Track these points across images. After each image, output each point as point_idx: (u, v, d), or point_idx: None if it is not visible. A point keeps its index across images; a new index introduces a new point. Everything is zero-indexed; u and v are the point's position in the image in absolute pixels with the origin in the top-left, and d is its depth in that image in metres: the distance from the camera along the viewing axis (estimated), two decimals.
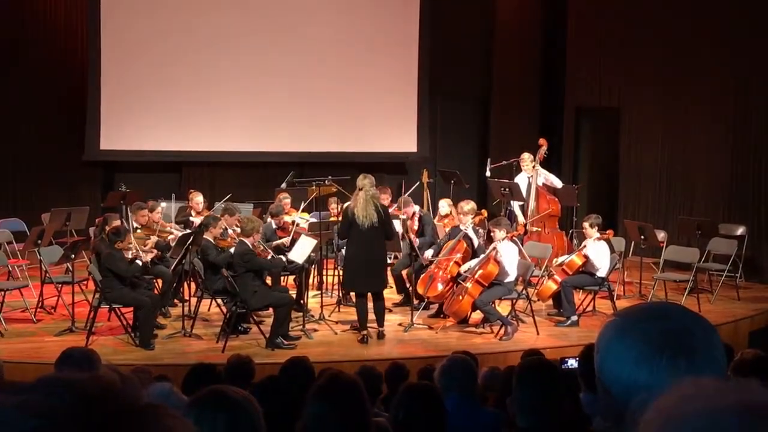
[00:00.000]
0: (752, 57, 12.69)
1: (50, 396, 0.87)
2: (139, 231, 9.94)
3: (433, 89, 15.41)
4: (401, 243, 10.54)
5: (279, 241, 10.30)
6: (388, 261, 10.35)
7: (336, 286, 11.06)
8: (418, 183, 12.07)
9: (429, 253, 10.35)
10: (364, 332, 9.34)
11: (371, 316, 9.47)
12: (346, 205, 9.64)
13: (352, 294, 10.84)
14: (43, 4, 14.21)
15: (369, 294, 9.46)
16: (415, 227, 10.81)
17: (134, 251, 9.28)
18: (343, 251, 10.14)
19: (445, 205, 11.38)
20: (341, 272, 9.55)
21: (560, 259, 10.52)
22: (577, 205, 12.68)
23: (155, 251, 9.87)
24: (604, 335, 1.47)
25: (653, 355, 1.40)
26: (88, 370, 0.94)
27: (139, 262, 9.07)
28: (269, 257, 9.51)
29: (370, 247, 9.21)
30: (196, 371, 5.37)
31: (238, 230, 9.87)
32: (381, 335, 9.44)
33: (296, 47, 14.82)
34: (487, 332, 9.81)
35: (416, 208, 11.01)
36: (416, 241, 10.43)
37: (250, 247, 9.20)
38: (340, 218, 11.05)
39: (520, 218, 12.00)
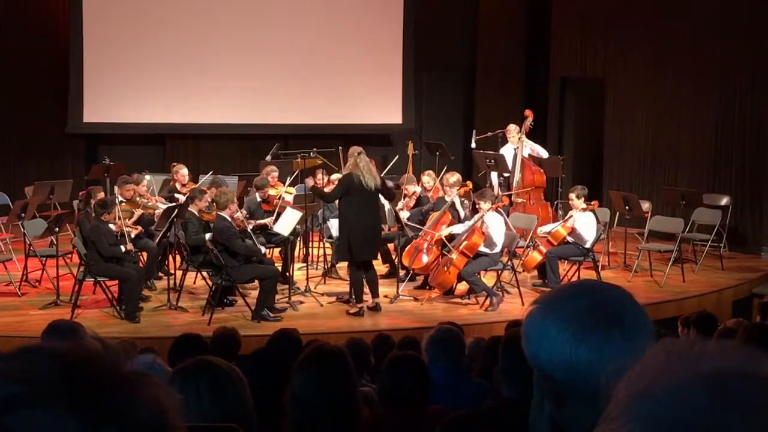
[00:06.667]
0: (737, 28, 12.68)
1: (31, 363, 0.86)
2: (123, 204, 9.90)
3: (418, 61, 15.35)
4: (387, 215, 10.54)
5: (263, 221, 10.22)
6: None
7: (321, 258, 11.05)
8: (397, 156, 12.06)
9: (405, 215, 10.32)
10: (361, 305, 9.31)
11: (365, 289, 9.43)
12: (343, 173, 9.48)
13: (338, 266, 10.87)
14: None
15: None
16: (411, 205, 10.81)
17: (119, 223, 9.23)
18: (329, 223, 10.12)
19: (428, 179, 11.36)
20: (348, 241, 9.14)
21: (545, 228, 10.55)
22: (563, 176, 12.69)
23: (139, 228, 9.82)
24: (532, 323, 1.46)
25: (589, 331, 1.40)
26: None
27: (123, 248, 9.00)
28: (249, 228, 9.49)
29: (373, 213, 9.21)
30: (182, 341, 5.37)
31: None
32: (377, 307, 9.38)
33: (281, 19, 14.71)
34: (472, 303, 9.84)
35: (418, 189, 10.96)
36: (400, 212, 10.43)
37: (230, 220, 9.17)
38: (327, 189, 11.04)
39: (496, 190, 11.98)
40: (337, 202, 9.41)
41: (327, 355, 3.13)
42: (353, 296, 9.44)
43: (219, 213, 9.23)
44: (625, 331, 1.41)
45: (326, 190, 11.03)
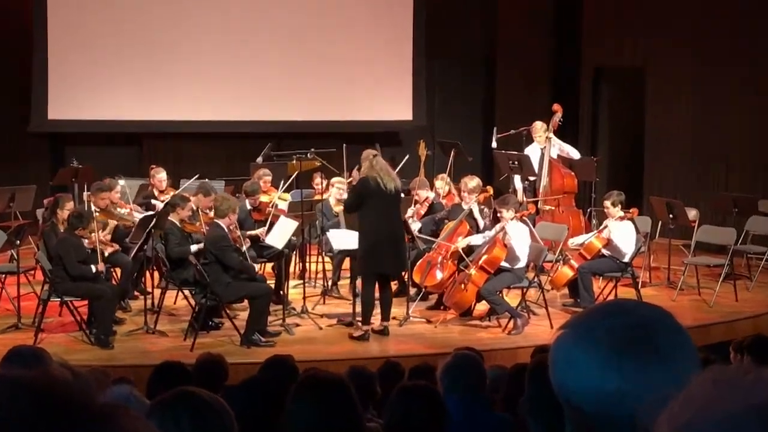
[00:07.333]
0: None
1: None
2: (97, 215, 9.92)
3: (430, 48, 15.36)
4: None
5: (254, 232, 10.21)
6: None
7: (320, 275, 11.05)
8: (407, 157, 12.09)
9: (416, 226, 10.36)
10: (367, 328, 9.32)
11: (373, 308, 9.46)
12: (359, 178, 9.56)
13: (339, 284, 10.87)
14: None
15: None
16: (422, 213, 10.82)
17: (93, 238, 9.25)
18: (329, 234, 10.13)
19: (442, 184, 11.37)
20: (361, 252, 9.32)
21: (577, 240, 10.54)
22: (596, 180, 12.68)
23: (115, 246, 9.83)
24: (560, 349, 1.46)
25: (619, 356, 1.40)
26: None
27: (93, 268, 9.01)
28: (244, 249, 9.50)
29: (395, 219, 9.27)
30: (161, 370, 5.38)
31: (212, 213, 9.88)
32: (385, 331, 9.42)
33: (273, 2, 14.76)
34: (493, 326, 9.83)
35: (431, 194, 11.01)
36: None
37: (226, 230, 9.18)
38: (323, 197, 11.05)
39: (519, 195, 11.97)
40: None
41: (323, 383, 3.13)
42: (356, 318, 9.46)
43: (215, 220, 9.26)
44: (663, 356, 1.40)
45: (325, 196, 11.09)
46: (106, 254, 9.46)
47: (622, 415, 1.37)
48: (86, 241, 9.19)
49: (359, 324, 9.40)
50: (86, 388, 0.91)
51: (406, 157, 12.12)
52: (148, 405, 2.97)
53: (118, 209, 10.54)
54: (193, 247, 9.48)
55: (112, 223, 10.11)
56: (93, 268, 9.04)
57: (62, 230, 9.23)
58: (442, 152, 13.60)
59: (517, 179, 12.33)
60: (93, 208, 9.98)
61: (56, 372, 0.94)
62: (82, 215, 9.19)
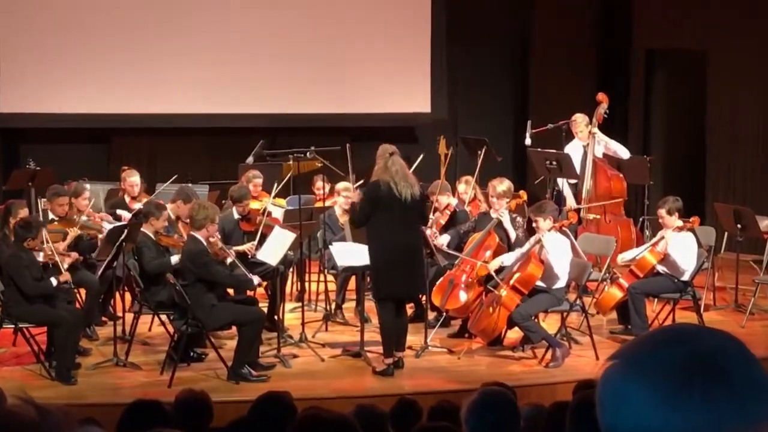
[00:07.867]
0: None
1: None
2: (56, 223, 9.92)
3: (452, 29, 15.37)
4: None
5: (241, 247, 10.13)
6: None
7: (322, 296, 11.06)
8: (422, 156, 12.07)
9: (444, 239, 10.35)
10: (390, 360, 9.31)
11: None
12: (370, 181, 9.55)
13: (345, 306, 10.88)
14: None
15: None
16: (443, 223, 10.83)
17: (49, 252, 9.25)
18: (332, 248, 10.15)
19: (466, 188, 11.37)
20: (372, 273, 9.46)
21: (627, 255, 10.53)
22: (650, 183, 12.67)
23: (73, 255, 9.80)
24: (608, 384, 1.46)
25: (681, 393, 1.39)
26: None
27: (54, 281, 9.02)
28: (229, 261, 9.49)
29: (410, 232, 9.27)
30: (134, 409, 5.40)
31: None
32: (399, 363, 9.43)
33: None
34: (527, 357, 9.84)
35: (453, 200, 11.03)
36: (434, 238, 10.43)
37: (205, 244, 9.19)
38: (325, 203, 11.06)
39: (570, 201, 11.98)
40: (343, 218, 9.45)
41: (326, 424, 3.14)
42: (364, 348, 9.47)
43: (193, 234, 9.26)
44: (733, 393, 1.40)
45: (328, 203, 11.10)
46: (65, 267, 9.40)
47: None
48: (40, 255, 9.19)
49: (382, 356, 9.40)
50: (55, 428, 0.92)
51: (421, 156, 12.10)
52: None
53: (83, 217, 10.52)
54: (174, 258, 9.48)
55: (73, 232, 10.04)
56: (53, 280, 9.04)
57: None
58: (466, 150, 13.62)
59: (562, 183, 12.26)
60: (50, 216, 9.98)
61: (18, 410, 0.94)
62: (30, 224, 9.18)
